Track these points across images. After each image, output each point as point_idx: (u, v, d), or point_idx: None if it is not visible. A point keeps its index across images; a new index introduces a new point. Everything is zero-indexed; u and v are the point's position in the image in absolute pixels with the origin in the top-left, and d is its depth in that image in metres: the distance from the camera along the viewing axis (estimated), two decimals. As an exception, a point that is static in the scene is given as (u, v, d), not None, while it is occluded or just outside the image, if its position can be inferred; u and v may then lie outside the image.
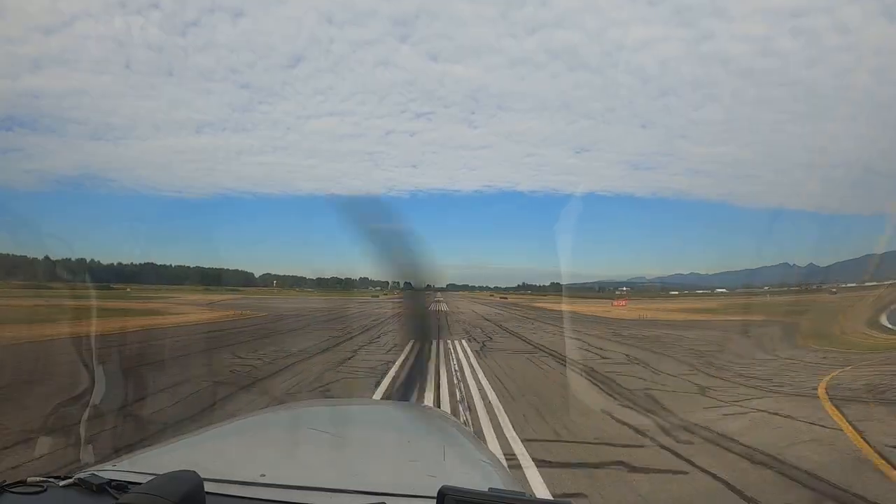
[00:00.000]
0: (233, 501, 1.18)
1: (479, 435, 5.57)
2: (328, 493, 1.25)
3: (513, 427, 6.23)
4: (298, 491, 1.27)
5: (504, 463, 3.52)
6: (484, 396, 8.05)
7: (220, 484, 1.24)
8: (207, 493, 1.07)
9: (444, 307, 46.08)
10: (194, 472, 1.07)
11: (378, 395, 8.02)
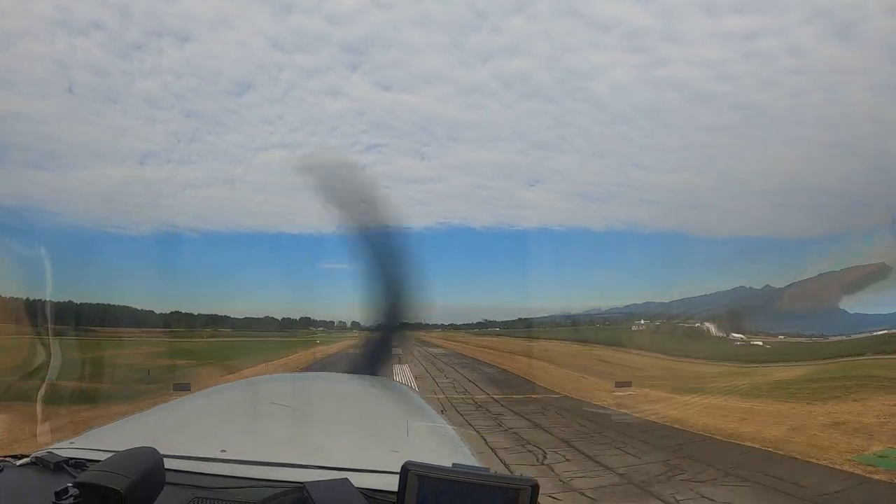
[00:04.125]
0: (193, 478, 1.18)
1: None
2: (290, 469, 1.23)
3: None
4: (260, 466, 1.27)
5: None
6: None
7: (180, 460, 1.23)
8: (167, 469, 1.07)
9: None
10: (153, 448, 1.07)
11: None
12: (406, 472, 0.98)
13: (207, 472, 1.21)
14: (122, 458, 1.00)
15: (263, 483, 1.22)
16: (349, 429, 1.76)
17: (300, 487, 1.16)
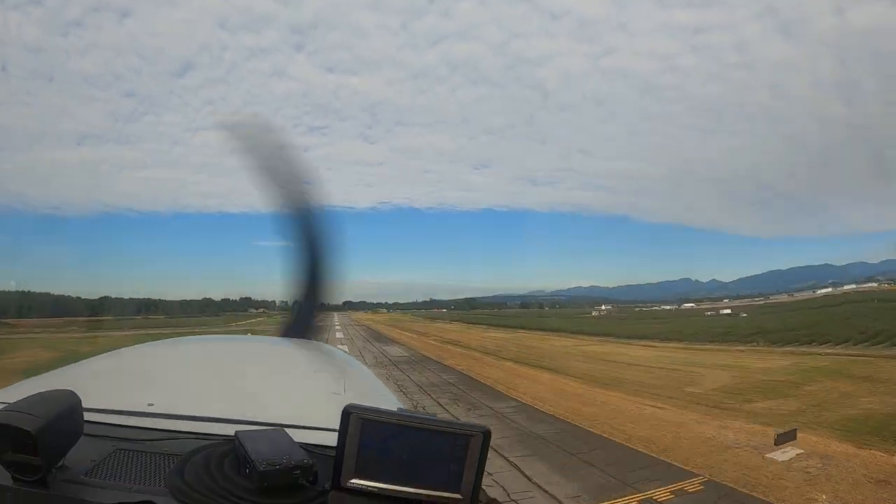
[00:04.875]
0: (116, 430, 1.14)
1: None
2: (221, 423, 1.19)
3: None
4: (189, 421, 1.22)
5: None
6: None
7: (103, 414, 1.17)
8: (90, 422, 1.03)
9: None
10: (71, 391, 1.02)
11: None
12: (348, 415, 0.91)
13: (134, 426, 1.15)
14: (36, 399, 0.94)
15: (192, 436, 1.14)
16: (283, 385, 1.66)
17: (231, 439, 1.08)
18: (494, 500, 1.16)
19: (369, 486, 0.96)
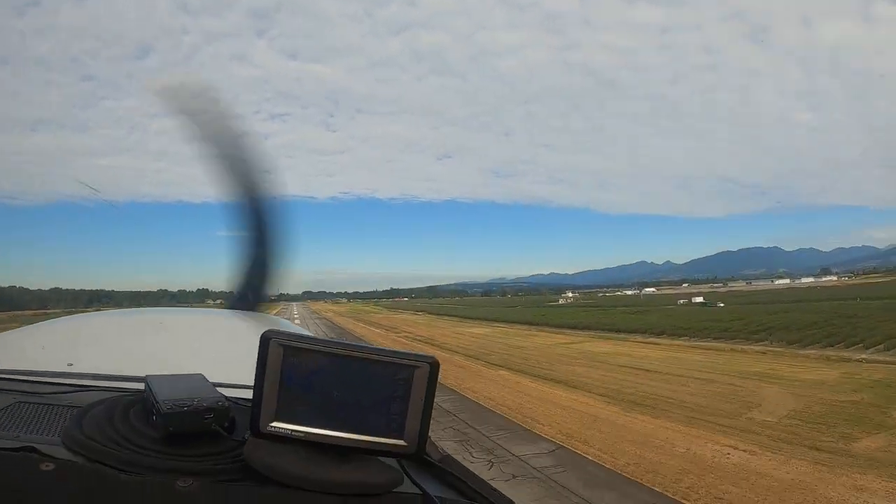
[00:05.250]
0: (25, 385, 1.09)
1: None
2: (141, 382, 1.11)
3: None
4: (107, 381, 1.18)
5: None
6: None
7: (14, 374, 1.13)
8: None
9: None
10: None
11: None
12: (266, 341, 0.79)
13: (42, 381, 1.10)
14: None
15: (104, 390, 1.09)
16: (218, 348, 1.59)
17: (142, 390, 1.00)
18: (448, 455, 0.99)
19: (294, 431, 0.80)
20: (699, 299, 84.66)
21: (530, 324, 62.85)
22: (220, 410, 0.91)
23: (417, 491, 0.89)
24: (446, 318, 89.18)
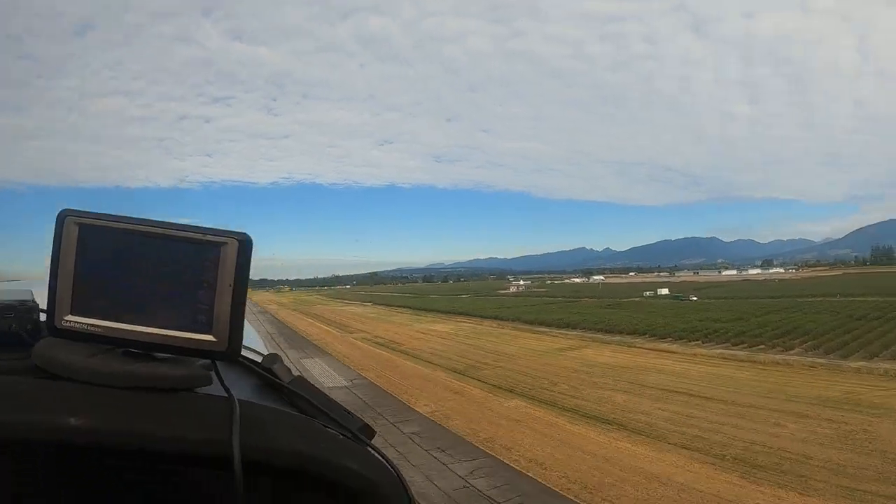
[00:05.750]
0: None
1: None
2: None
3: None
4: None
5: None
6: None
7: None
8: None
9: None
10: None
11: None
12: (62, 220, 0.69)
13: None
14: None
15: None
16: None
17: None
18: (300, 377, 0.86)
19: (90, 326, 0.70)
20: (664, 291, 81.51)
21: (497, 319, 56.64)
22: (23, 310, 0.83)
23: (224, 394, 0.74)
24: (400, 310, 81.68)
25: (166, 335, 0.70)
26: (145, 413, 0.67)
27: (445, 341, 38.37)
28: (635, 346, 32.46)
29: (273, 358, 0.90)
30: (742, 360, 26.84)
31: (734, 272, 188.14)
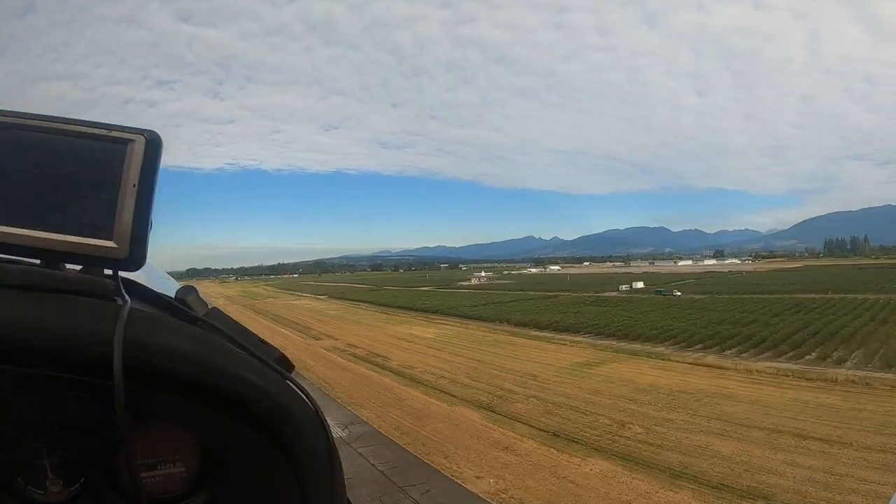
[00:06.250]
0: None
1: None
2: None
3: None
4: None
5: None
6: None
7: None
8: None
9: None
10: None
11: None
12: None
13: None
14: None
15: None
16: None
17: None
18: (216, 309, 0.81)
19: None
20: (640, 284, 78.76)
21: (481, 320, 50.90)
22: None
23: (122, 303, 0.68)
24: (362, 306, 74.77)
25: (60, 241, 0.64)
26: (27, 309, 0.61)
27: (439, 353, 32.49)
28: (670, 360, 27.91)
29: (188, 290, 0.81)
30: (809, 379, 22.74)
31: (690, 262, 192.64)
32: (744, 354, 28.66)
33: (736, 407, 18.98)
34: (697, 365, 26.46)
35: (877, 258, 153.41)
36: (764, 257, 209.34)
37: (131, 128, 0.64)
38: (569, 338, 37.25)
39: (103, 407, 0.63)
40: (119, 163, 0.63)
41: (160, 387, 0.64)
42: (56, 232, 0.63)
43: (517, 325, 45.52)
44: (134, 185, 0.64)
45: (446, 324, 49.57)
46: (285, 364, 0.76)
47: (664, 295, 63.88)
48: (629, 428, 16.93)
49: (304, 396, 0.72)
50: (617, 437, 16.11)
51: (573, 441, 15.92)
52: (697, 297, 59.65)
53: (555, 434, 16.52)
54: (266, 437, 0.68)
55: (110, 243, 0.64)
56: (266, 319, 58.51)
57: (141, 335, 0.63)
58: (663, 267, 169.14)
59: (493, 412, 19.13)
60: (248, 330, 0.79)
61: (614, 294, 70.50)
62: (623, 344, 33.23)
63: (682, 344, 31.67)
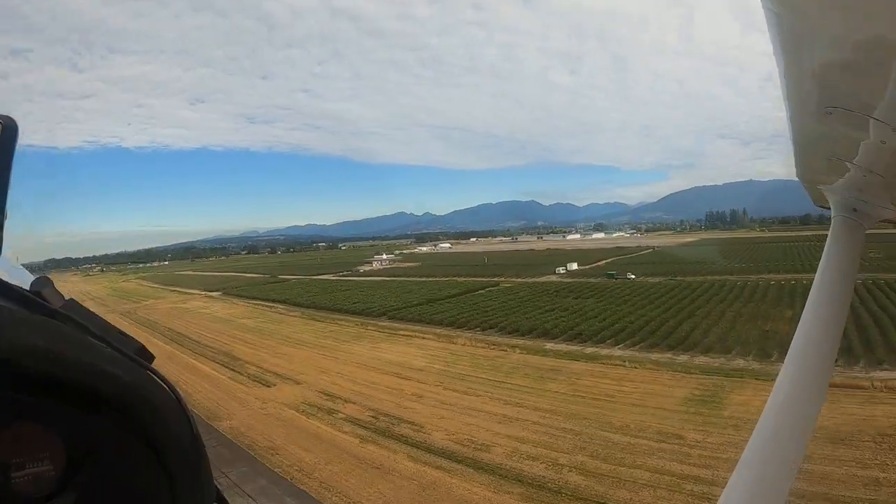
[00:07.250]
0: None
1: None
2: None
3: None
4: None
5: None
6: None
7: None
8: None
9: None
10: None
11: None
12: None
13: None
14: None
15: None
16: None
17: None
18: (73, 300, 0.80)
19: None
20: (574, 266, 76.51)
21: (460, 327, 42.40)
22: None
23: None
24: (276, 307, 62.09)
25: None
26: None
27: (485, 402, 24.07)
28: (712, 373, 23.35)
29: (44, 281, 0.78)
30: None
31: (578, 236, 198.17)
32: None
33: None
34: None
35: (762, 231, 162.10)
36: (649, 230, 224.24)
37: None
38: (639, 355, 29.64)
39: None
40: None
41: (16, 385, 0.63)
42: None
43: (509, 333, 38.30)
44: None
45: (419, 337, 40.66)
46: (145, 355, 0.74)
47: (616, 278, 61.50)
48: None
49: (166, 386, 0.71)
50: None
51: None
52: (655, 281, 57.20)
53: None
54: (129, 429, 0.67)
55: None
56: (161, 339, 44.30)
57: None
58: (552, 241, 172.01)
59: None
60: (106, 322, 0.76)
61: (554, 279, 66.96)
62: (668, 356, 28.21)
63: (722, 351, 27.85)
